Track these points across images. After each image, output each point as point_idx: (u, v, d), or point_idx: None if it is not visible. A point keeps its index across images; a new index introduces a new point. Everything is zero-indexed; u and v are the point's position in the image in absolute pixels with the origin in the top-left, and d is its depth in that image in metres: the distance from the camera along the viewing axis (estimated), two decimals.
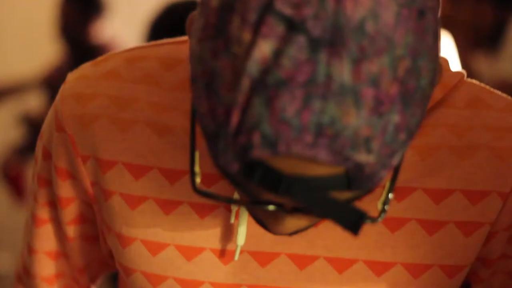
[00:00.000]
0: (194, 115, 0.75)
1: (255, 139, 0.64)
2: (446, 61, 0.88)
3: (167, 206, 0.86)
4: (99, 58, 0.91)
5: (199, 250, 0.86)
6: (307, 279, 0.85)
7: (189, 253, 0.86)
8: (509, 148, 0.84)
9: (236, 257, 0.84)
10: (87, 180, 0.89)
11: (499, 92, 0.88)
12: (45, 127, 0.92)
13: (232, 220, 0.83)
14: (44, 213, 0.96)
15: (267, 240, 0.85)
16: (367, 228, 0.84)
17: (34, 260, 0.99)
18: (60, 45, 3.81)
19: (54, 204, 0.95)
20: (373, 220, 0.70)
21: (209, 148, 0.69)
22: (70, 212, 0.94)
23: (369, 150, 0.64)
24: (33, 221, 0.97)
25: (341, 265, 0.84)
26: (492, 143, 0.84)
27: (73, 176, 0.91)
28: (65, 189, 0.92)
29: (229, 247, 0.85)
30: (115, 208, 0.88)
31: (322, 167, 0.66)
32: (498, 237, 0.86)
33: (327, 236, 0.84)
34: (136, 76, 0.88)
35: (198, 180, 0.74)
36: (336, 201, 0.66)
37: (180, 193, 0.85)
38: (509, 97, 0.88)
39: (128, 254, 0.88)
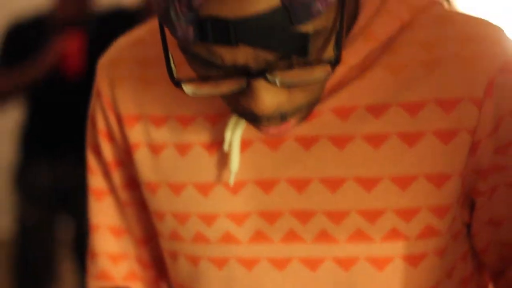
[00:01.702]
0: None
1: None
2: None
3: (183, 149, 0.96)
4: (132, 30, 1.04)
5: (212, 185, 0.95)
6: (305, 201, 0.91)
7: (204, 189, 0.95)
8: (474, 56, 0.88)
9: (231, 181, 0.92)
10: (121, 138, 1.02)
11: (465, 11, 0.93)
12: (92, 96, 1.06)
13: (226, 147, 0.92)
14: (100, 183, 1.08)
15: (267, 168, 0.92)
16: (352, 148, 0.89)
17: (97, 236, 1.09)
18: None
19: (106, 171, 1.07)
20: (331, 62, 0.77)
21: (169, 29, 0.77)
22: (119, 175, 1.05)
23: None
24: (92, 195, 1.08)
25: (333, 184, 0.90)
26: (458, 52, 0.88)
27: (112, 137, 1.03)
28: (109, 151, 1.04)
29: (235, 178, 0.94)
30: (142, 158, 0.99)
31: (259, 3, 0.72)
32: (483, 145, 0.89)
33: (318, 157, 0.90)
34: (158, 40, 1.00)
35: (174, 70, 0.81)
36: (280, 29, 0.74)
37: (192, 135, 0.96)
38: (473, 14, 0.92)
39: (158, 200, 0.99)
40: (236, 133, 0.92)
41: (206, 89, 0.82)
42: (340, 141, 0.90)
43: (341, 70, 0.90)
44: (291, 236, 0.93)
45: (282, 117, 0.84)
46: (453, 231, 0.93)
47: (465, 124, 0.88)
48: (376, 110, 0.90)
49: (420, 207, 0.90)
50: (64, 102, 3.52)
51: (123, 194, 1.06)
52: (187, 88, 0.82)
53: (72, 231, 3.63)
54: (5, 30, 3.50)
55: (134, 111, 0.99)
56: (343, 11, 0.78)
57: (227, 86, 0.82)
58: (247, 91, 0.81)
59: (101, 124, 1.04)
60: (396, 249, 0.91)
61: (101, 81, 1.02)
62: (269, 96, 0.80)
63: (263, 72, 0.77)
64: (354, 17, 0.93)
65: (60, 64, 3.45)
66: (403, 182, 0.89)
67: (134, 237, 1.09)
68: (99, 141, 1.05)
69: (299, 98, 0.83)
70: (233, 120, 0.93)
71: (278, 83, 0.78)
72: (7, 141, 6.25)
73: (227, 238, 0.95)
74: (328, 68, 0.82)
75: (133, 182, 1.06)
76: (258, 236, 0.94)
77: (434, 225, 0.91)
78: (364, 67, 0.90)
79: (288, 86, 0.79)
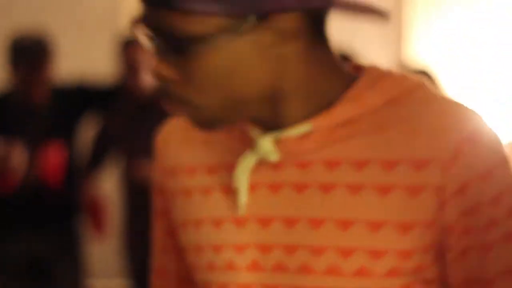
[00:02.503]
0: None
1: None
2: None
3: (206, 192, 1.16)
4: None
5: (223, 220, 1.13)
6: (293, 237, 1.08)
7: (217, 223, 1.14)
8: (445, 127, 1.03)
9: (240, 212, 1.10)
10: (168, 189, 1.23)
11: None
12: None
13: (236, 185, 1.10)
14: (156, 231, 1.29)
15: (266, 208, 1.10)
16: (334, 195, 1.06)
17: (152, 275, 1.31)
18: None
19: (155, 221, 1.28)
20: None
21: None
22: (162, 223, 1.26)
23: None
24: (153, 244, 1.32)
25: (316, 224, 1.06)
26: (433, 123, 1.04)
27: (162, 191, 1.25)
28: (158, 203, 1.26)
29: (240, 214, 1.12)
30: (179, 203, 1.20)
31: None
32: (450, 204, 1.03)
33: (307, 201, 1.07)
34: None
35: None
36: None
37: (214, 180, 1.15)
38: (451, 98, 1.08)
39: (186, 235, 1.18)
40: (245, 174, 1.10)
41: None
42: (326, 188, 1.07)
43: (330, 127, 1.07)
44: (279, 266, 1.09)
45: (182, 101, 1.04)
46: (423, 277, 1.06)
47: (431, 182, 1.03)
48: (358, 164, 1.06)
49: (386, 249, 1.04)
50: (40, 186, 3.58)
51: (166, 240, 1.27)
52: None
53: None
54: None
55: (175, 164, 1.20)
56: None
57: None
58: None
59: (156, 182, 1.25)
60: (365, 285, 1.05)
61: (158, 143, 1.24)
62: (159, 64, 1.03)
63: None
64: (349, 83, 1.10)
65: (40, 174, 3.48)
66: (373, 226, 1.04)
67: (175, 275, 1.27)
68: (154, 197, 1.27)
69: (189, 89, 1.04)
70: (243, 163, 1.11)
71: (150, 35, 1.00)
72: None
73: (230, 266, 1.12)
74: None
75: (173, 229, 1.26)
76: (254, 265, 1.10)
77: (399, 266, 1.04)
78: (351, 128, 1.08)
79: (155, 41, 1.02)
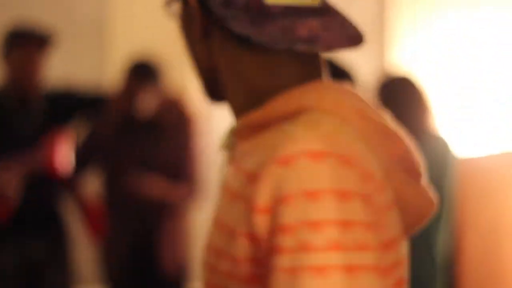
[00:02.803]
0: None
1: None
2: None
3: None
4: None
5: None
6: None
7: None
8: (271, 144, 1.05)
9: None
10: None
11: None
12: None
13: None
14: None
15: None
16: (223, 195, 1.11)
17: None
18: None
19: None
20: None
21: None
22: None
23: None
24: None
25: (214, 222, 1.12)
26: (269, 141, 1.06)
27: None
28: None
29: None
30: None
31: None
32: (257, 219, 1.02)
33: (220, 200, 1.12)
34: None
35: None
36: None
37: None
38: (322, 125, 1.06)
39: None
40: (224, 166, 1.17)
41: None
42: (223, 189, 1.12)
43: (246, 128, 1.11)
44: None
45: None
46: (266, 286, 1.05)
47: (247, 194, 1.04)
48: (237, 169, 1.09)
49: (223, 250, 1.07)
50: (34, 190, 3.59)
51: None
52: None
53: None
54: None
55: None
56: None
57: None
58: None
59: None
60: (223, 283, 1.08)
61: None
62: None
63: None
64: (273, 93, 1.12)
65: (43, 163, 3.48)
66: (222, 228, 1.09)
67: None
68: None
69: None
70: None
71: None
72: None
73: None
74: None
75: None
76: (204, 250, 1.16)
77: (233, 271, 1.06)
78: (256, 134, 1.11)
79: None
